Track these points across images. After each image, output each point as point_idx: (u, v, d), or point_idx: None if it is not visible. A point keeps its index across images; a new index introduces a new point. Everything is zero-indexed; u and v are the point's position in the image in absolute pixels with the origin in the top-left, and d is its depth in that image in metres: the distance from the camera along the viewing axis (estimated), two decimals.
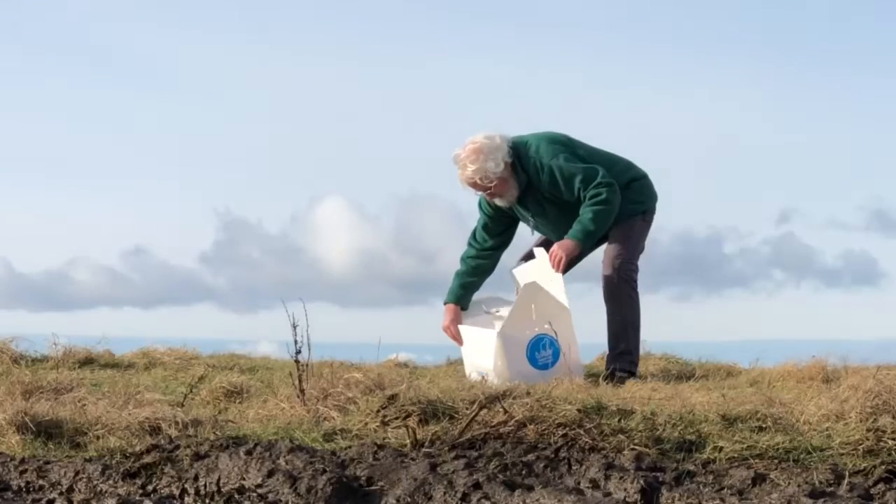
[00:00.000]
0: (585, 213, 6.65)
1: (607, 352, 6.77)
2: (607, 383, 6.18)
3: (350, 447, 4.66)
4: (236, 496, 4.29)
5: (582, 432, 4.64)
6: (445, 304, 7.00)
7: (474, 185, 6.75)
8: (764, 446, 4.46)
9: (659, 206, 7.04)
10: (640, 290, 6.83)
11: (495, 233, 7.00)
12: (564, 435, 4.64)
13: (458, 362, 8.23)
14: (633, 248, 6.83)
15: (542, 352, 6.56)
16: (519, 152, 6.72)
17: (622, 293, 6.73)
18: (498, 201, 6.85)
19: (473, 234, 7.05)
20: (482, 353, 6.64)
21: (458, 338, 6.90)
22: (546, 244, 6.97)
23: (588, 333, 6.95)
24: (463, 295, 6.98)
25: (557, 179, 6.66)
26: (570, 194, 6.68)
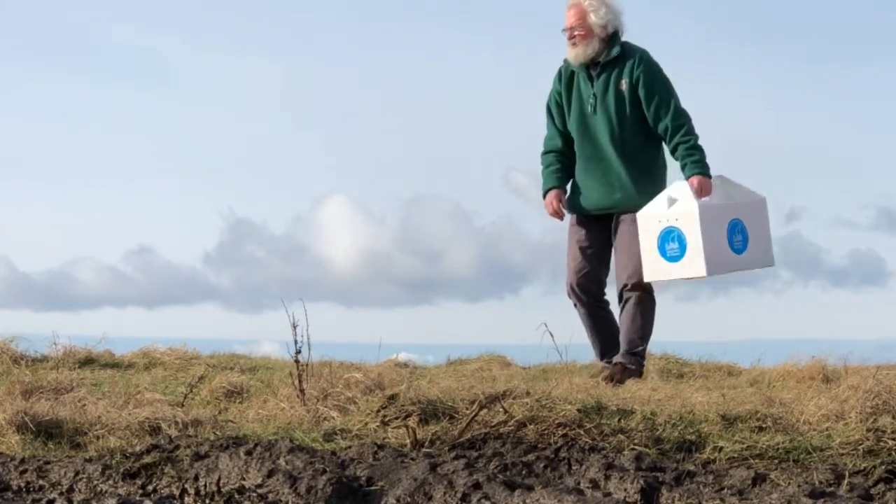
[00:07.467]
0: (685, 152, 6.55)
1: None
2: (606, 382, 6.17)
3: (350, 447, 4.66)
4: (236, 496, 4.29)
5: (582, 432, 4.64)
6: (546, 192, 6.83)
7: (571, 11, 6.67)
8: (764, 446, 4.46)
9: None
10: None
11: (565, 133, 6.84)
12: (564, 435, 4.64)
13: (458, 362, 8.20)
14: None
15: (671, 244, 6.42)
16: (627, 42, 6.66)
17: (639, 299, 6.63)
18: (570, 50, 6.71)
19: (544, 143, 6.91)
20: (682, 216, 6.45)
21: (559, 213, 6.80)
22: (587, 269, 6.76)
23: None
24: (558, 178, 6.81)
25: (645, 82, 6.57)
26: (643, 109, 6.59)
